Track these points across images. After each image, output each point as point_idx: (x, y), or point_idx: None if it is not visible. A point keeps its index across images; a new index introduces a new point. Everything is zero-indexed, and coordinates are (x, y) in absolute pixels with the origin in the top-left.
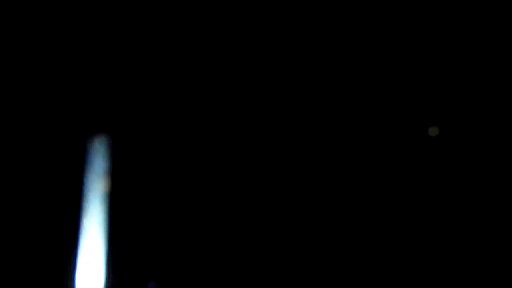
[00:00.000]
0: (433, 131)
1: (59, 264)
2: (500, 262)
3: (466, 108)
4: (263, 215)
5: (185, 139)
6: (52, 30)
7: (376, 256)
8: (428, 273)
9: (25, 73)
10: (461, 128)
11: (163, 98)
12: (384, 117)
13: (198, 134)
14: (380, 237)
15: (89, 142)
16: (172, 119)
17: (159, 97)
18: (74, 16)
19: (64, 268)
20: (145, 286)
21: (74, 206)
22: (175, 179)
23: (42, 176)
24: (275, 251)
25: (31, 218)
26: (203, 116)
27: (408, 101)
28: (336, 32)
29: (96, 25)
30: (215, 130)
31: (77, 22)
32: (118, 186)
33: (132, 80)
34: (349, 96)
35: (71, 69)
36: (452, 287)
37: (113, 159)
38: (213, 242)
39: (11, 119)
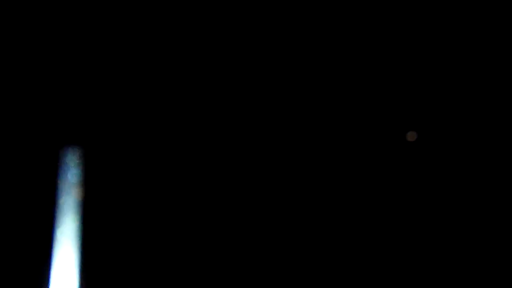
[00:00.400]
0: (411, 136)
1: (33, 273)
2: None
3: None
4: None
5: (158, 148)
6: (24, 39)
7: (373, 256)
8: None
9: None
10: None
11: (136, 109)
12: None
13: (171, 144)
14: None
15: (62, 152)
16: (145, 129)
17: (131, 108)
18: (44, 29)
19: (38, 277)
20: None
21: (48, 215)
22: (149, 188)
23: (16, 185)
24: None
25: (5, 227)
26: (176, 126)
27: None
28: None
29: (68, 37)
30: (189, 140)
31: (49, 34)
32: (91, 195)
33: (104, 91)
34: (333, 98)
35: (44, 79)
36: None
37: (86, 169)
38: (188, 250)
39: None
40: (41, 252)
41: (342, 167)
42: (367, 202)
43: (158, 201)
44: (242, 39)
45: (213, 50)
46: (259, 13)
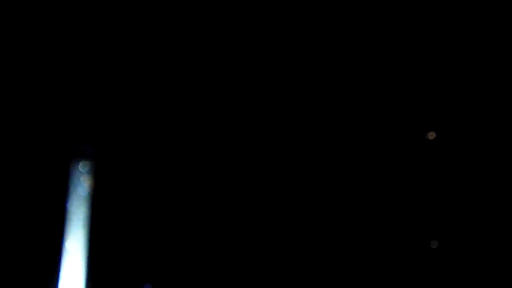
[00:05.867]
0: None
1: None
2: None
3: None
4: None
5: (166, 161)
6: (28, 59)
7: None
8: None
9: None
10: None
11: (145, 121)
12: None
13: (179, 157)
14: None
15: (72, 164)
16: (153, 142)
17: (141, 120)
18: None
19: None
20: None
21: (57, 224)
22: (156, 201)
23: (27, 195)
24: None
25: (15, 237)
26: (183, 139)
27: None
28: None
29: (73, 56)
30: (196, 152)
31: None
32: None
33: (114, 103)
34: (347, 98)
35: (54, 90)
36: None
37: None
38: (193, 251)
39: None
40: (50, 256)
41: (348, 166)
42: (370, 202)
43: (164, 202)
44: (242, 39)
45: (213, 50)
46: (259, 13)
